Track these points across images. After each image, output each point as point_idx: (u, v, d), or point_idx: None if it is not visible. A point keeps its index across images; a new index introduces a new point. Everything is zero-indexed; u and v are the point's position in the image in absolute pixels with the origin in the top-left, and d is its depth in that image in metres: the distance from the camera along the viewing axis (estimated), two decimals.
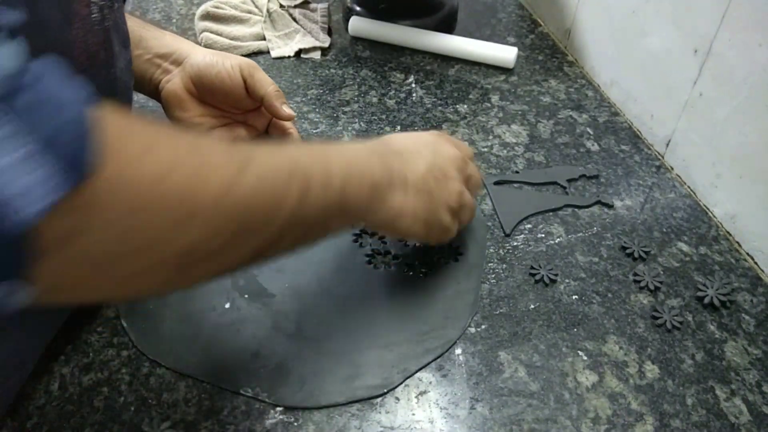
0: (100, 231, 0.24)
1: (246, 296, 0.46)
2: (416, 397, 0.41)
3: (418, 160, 0.43)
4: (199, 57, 0.53)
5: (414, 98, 0.70)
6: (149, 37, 0.54)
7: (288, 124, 0.57)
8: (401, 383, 0.42)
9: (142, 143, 0.26)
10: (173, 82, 0.53)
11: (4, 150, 0.20)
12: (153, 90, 0.55)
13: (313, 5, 0.83)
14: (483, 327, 0.46)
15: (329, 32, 0.82)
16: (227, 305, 0.46)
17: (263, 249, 0.33)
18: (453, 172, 0.44)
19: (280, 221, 0.32)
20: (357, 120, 0.66)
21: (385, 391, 0.41)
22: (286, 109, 0.53)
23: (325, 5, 0.83)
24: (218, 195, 0.28)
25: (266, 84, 0.53)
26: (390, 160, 0.41)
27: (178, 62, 0.54)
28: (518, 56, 0.77)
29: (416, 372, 0.42)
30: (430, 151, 0.44)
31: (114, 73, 0.41)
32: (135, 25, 0.54)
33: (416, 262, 0.50)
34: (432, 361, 0.43)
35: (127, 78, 0.46)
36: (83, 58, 0.37)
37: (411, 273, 0.49)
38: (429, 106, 0.69)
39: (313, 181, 0.34)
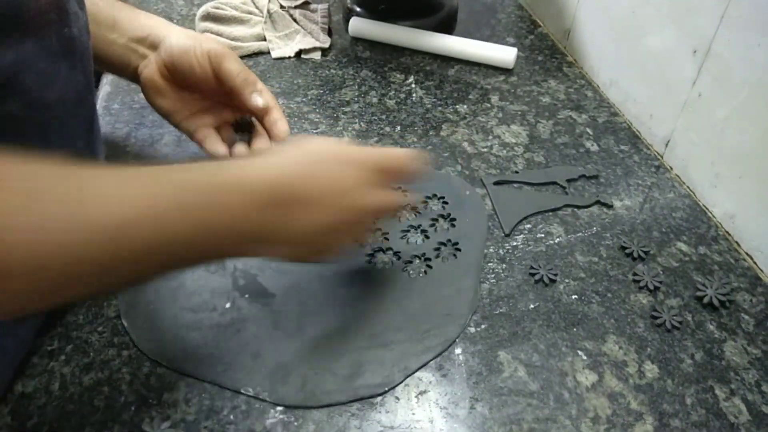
0: None
1: (246, 296, 0.47)
2: (416, 396, 0.41)
3: (312, 217, 0.37)
4: (173, 40, 0.51)
5: (414, 98, 0.70)
6: (123, 18, 0.52)
7: (273, 110, 0.52)
8: (402, 382, 0.42)
9: None
10: (149, 68, 0.52)
11: None
12: (132, 75, 0.53)
13: (313, 6, 0.83)
14: (483, 327, 0.46)
15: (329, 33, 0.82)
16: (228, 305, 0.46)
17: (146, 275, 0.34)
18: (356, 227, 0.41)
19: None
20: (357, 120, 0.66)
21: (386, 389, 0.41)
22: (256, 98, 0.50)
23: (325, 6, 0.83)
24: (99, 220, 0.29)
25: (233, 74, 0.50)
26: (277, 214, 0.36)
27: (154, 46, 0.52)
28: (518, 57, 0.77)
29: (417, 370, 0.42)
30: (329, 197, 0.38)
31: (70, 34, 0.41)
32: (107, 6, 0.52)
33: (416, 260, 0.50)
34: (432, 359, 0.43)
35: (86, 39, 0.45)
36: (36, 16, 0.37)
37: (411, 272, 0.49)
38: (429, 106, 0.69)
39: (177, 234, 0.33)
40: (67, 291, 0.31)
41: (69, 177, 0.30)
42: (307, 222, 0.37)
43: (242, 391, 0.41)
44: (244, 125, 0.55)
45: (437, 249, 0.51)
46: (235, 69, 0.50)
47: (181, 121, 0.53)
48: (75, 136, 0.45)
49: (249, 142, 0.54)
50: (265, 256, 0.38)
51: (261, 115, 0.53)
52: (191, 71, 0.50)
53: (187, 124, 0.53)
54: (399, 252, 0.50)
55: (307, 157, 0.39)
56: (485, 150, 0.63)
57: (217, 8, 0.80)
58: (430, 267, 0.50)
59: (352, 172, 0.39)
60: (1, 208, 0.27)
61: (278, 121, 0.52)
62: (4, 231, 0.27)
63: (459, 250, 0.51)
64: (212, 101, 0.55)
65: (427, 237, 0.52)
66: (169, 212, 0.32)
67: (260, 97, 0.51)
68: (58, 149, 0.44)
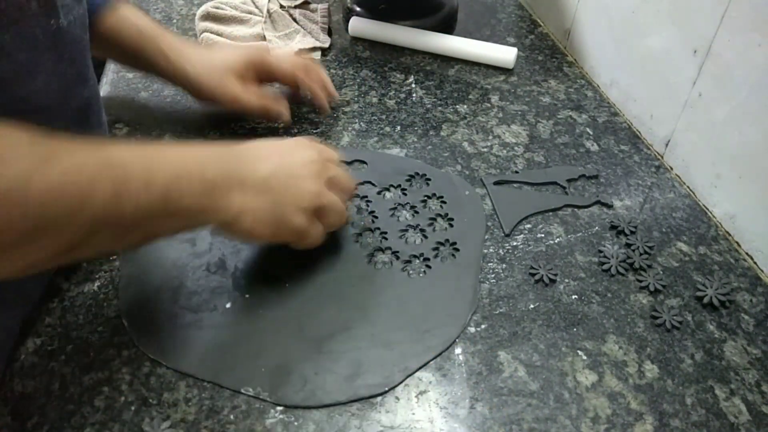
0: None
1: (247, 296, 0.46)
2: (416, 396, 0.41)
3: (262, 162, 0.42)
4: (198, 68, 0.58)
5: (414, 98, 0.70)
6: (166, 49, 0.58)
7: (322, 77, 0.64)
8: (402, 381, 0.42)
9: None
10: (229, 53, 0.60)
11: None
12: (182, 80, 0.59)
13: (313, 5, 0.83)
14: (483, 327, 0.46)
15: (329, 32, 0.82)
16: (228, 305, 0.46)
17: (69, 246, 0.33)
18: (305, 173, 0.44)
19: (86, 219, 0.32)
20: (357, 120, 0.66)
21: (387, 389, 0.41)
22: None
23: (325, 6, 0.83)
24: (5, 189, 0.29)
25: (253, 106, 0.60)
26: (227, 162, 0.41)
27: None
28: (518, 56, 0.77)
29: (417, 370, 0.43)
30: (278, 154, 0.44)
31: (57, 25, 0.41)
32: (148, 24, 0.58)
33: (415, 260, 0.50)
34: (432, 359, 0.43)
35: (80, 32, 0.46)
36: (12, 9, 0.37)
37: (410, 272, 0.49)
38: (429, 106, 0.69)
39: (130, 179, 0.34)
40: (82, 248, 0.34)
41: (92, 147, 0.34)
42: (260, 165, 0.42)
43: (242, 391, 0.41)
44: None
45: (435, 249, 0.51)
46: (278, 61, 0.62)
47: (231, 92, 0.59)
48: (62, 129, 0.45)
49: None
50: (233, 213, 0.40)
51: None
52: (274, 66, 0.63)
53: (236, 93, 0.59)
54: (398, 252, 0.50)
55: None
56: (485, 150, 0.63)
57: (217, 8, 0.80)
58: (429, 267, 0.50)
59: (281, 141, 0.46)
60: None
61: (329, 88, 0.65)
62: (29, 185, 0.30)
63: (458, 250, 0.51)
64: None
65: (425, 237, 0.52)
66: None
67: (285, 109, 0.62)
68: None
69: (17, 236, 0.30)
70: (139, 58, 0.58)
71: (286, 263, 0.49)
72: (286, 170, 0.43)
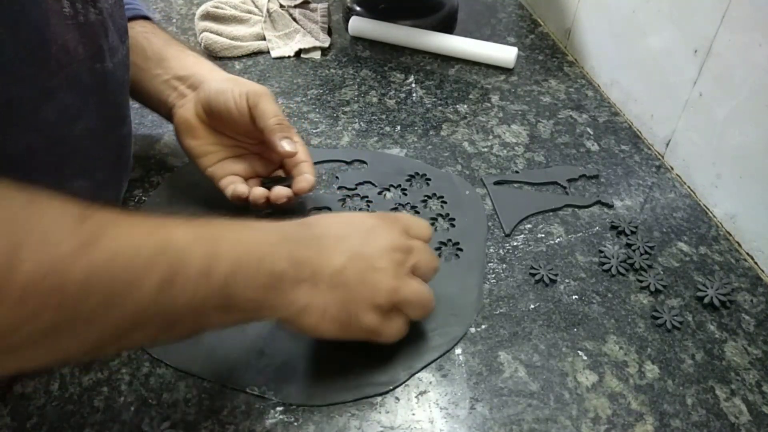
0: None
1: None
2: (416, 397, 0.41)
3: (338, 250, 0.37)
4: (213, 82, 0.50)
5: (414, 98, 0.70)
6: (171, 56, 0.52)
7: (303, 164, 0.50)
8: (407, 380, 0.42)
9: None
10: (186, 107, 0.50)
11: None
12: (167, 113, 0.52)
13: (313, 5, 0.83)
14: (483, 327, 0.46)
15: (329, 32, 0.82)
16: None
17: (105, 341, 0.29)
18: (384, 264, 0.38)
19: (130, 311, 0.28)
20: (357, 120, 0.66)
21: (392, 387, 0.41)
22: (285, 145, 0.48)
23: (325, 5, 0.83)
24: (44, 273, 0.25)
25: (268, 115, 0.48)
26: (302, 249, 0.36)
27: (194, 86, 0.51)
28: (518, 56, 0.77)
29: (422, 369, 0.42)
30: (358, 239, 0.39)
31: (103, 68, 0.41)
32: (159, 42, 0.52)
33: None
34: (437, 359, 0.43)
35: (123, 72, 0.45)
36: (60, 54, 0.36)
37: None
38: (429, 106, 0.69)
39: (187, 266, 0.30)
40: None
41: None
42: (336, 253, 0.37)
43: (248, 390, 0.41)
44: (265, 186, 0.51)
45: (438, 249, 0.51)
46: (271, 110, 0.48)
47: (209, 165, 0.51)
48: (95, 168, 0.44)
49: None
50: (297, 309, 0.36)
51: (289, 165, 0.51)
52: (227, 111, 0.49)
53: (214, 170, 0.51)
54: None
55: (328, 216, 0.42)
56: (485, 150, 0.63)
57: (217, 7, 0.80)
58: None
59: (363, 216, 0.42)
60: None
61: (306, 174, 0.50)
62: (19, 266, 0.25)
63: (461, 249, 0.51)
64: (245, 150, 0.52)
65: None
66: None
67: (289, 144, 0.48)
68: (73, 182, 0.42)
69: (49, 326, 0.26)
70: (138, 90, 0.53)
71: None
72: (364, 261, 0.37)
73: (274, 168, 0.54)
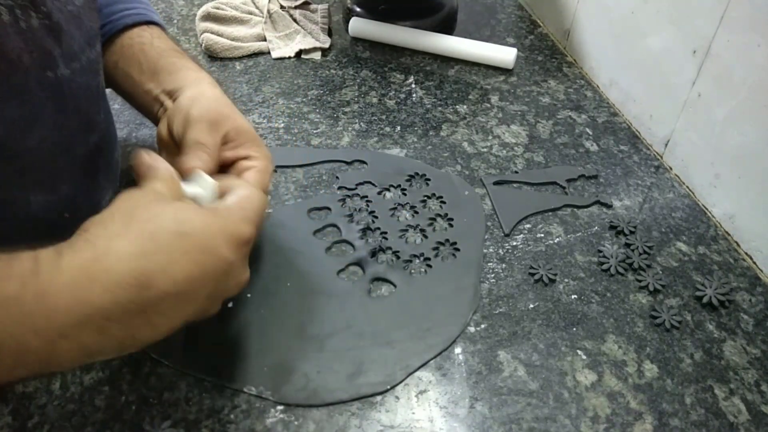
0: None
1: (248, 295, 0.47)
2: (416, 396, 0.41)
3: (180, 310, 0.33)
4: (182, 99, 0.45)
5: (414, 99, 0.70)
6: (163, 69, 0.49)
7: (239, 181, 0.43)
8: (404, 380, 0.42)
9: None
10: (162, 121, 0.46)
11: None
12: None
13: (313, 6, 0.83)
14: (482, 326, 0.46)
15: (329, 33, 0.82)
16: (230, 304, 0.46)
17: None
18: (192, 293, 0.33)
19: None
20: (357, 120, 0.66)
21: (389, 387, 0.41)
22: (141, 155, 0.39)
23: (325, 6, 0.83)
24: None
25: (190, 138, 0.42)
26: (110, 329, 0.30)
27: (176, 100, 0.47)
28: (518, 57, 0.77)
29: (419, 368, 0.43)
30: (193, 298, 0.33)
31: (55, 76, 0.38)
32: (155, 54, 0.50)
33: (415, 260, 0.50)
34: (434, 358, 0.43)
35: (88, 78, 0.42)
36: (2, 64, 0.34)
37: (411, 271, 0.49)
38: (429, 106, 0.69)
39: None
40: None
41: None
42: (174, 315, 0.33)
43: (245, 390, 0.41)
44: None
45: (436, 248, 0.51)
46: (195, 137, 0.42)
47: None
48: (59, 180, 0.42)
49: None
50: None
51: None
52: (177, 131, 0.44)
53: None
54: (398, 251, 0.51)
55: (159, 244, 0.32)
56: (485, 150, 0.63)
57: (218, 8, 0.80)
58: (430, 266, 0.50)
59: (209, 258, 0.34)
60: None
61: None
62: None
63: (458, 249, 0.51)
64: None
65: (425, 237, 0.52)
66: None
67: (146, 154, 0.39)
68: (34, 197, 0.40)
69: None
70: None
71: (287, 261, 0.49)
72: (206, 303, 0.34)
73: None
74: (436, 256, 0.51)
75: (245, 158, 0.44)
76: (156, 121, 0.49)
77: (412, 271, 0.49)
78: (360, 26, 0.79)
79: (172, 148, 0.46)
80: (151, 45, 0.51)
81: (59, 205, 0.42)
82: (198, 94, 0.46)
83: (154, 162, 0.37)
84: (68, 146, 0.42)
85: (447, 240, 0.52)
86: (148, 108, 0.50)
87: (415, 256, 0.50)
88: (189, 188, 0.38)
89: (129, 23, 0.51)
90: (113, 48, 0.50)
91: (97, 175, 0.47)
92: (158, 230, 0.32)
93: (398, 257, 0.50)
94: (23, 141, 0.37)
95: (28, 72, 0.36)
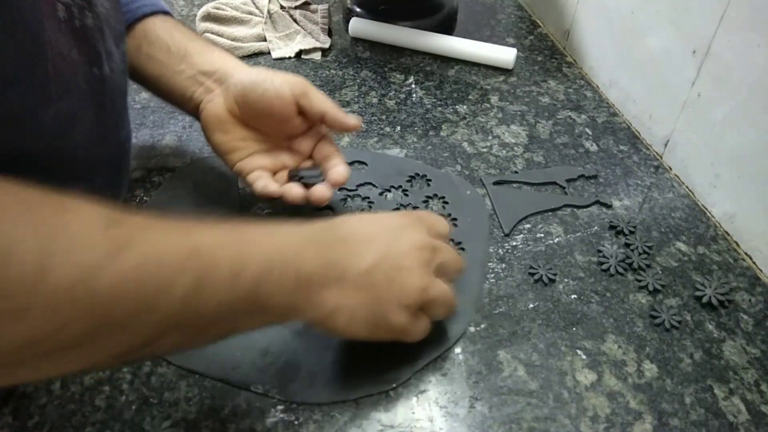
0: None
1: None
2: (416, 395, 0.41)
3: (366, 251, 0.37)
4: (243, 75, 0.49)
5: (414, 99, 0.70)
6: (195, 51, 0.51)
7: (334, 155, 0.51)
8: (407, 379, 0.42)
9: None
10: (214, 102, 0.50)
11: None
12: (194, 109, 0.51)
13: (313, 6, 0.83)
14: (482, 326, 0.46)
15: (329, 33, 0.82)
16: None
17: (135, 347, 0.29)
18: (412, 263, 0.38)
19: (160, 317, 0.28)
20: None
21: (394, 385, 0.41)
22: (352, 119, 0.49)
23: (325, 6, 0.83)
24: (71, 282, 0.25)
25: (322, 99, 0.49)
26: (329, 250, 0.36)
27: (221, 81, 0.50)
28: (517, 57, 0.77)
29: (424, 367, 0.43)
30: (385, 239, 0.38)
31: (100, 73, 0.40)
32: (182, 38, 0.52)
33: None
34: (438, 356, 0.43)
35: (120, 77, 0.44)
36: (57, 59, 0.36)
37: None
38: (429, 106, 0.69)
39: (216, 271, 0.30)
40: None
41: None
42: (363, 255, 0.37)
43: (252, 388, 0.41)
44: (297, 177, 0.51)
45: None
46: (322, 96, 0.49)
47: (238, 160, 0.50)
48: (95, 172, 0.44)
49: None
50: (326, 311, 0.36)
51: (318, 157, 0.52)
52: (268, 103, 0.48)
53: (242, 165, 0.50)
54: None
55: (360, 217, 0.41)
56: (485, 150, 0.63)
57: (218, 8, 0.80)
58: None
59: (388, 217, 0.41)
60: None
61: (340, 166, 0.50)
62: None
63: (463, 249, 0.51)
64: (272, 144, 0.52)
65: None
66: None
67: (356, 118, 0.50)
68: (73, 187, 0.42)
69: (77, 335, 0.26)
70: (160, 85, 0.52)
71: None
72: (392, 261, 0.37)
73: (302, 160, 0.53)
74: None
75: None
76: (191, 102, 0.51)
77: None
78: (360, 26, 0.80)
79: (229, 125, 0.50)
80: (176, 29, 0.52)
81: (92, 196, 0.44)
82: (258, 70, 0.50)
83: None
84: (104, 141, 0.43)
85: (452, 240, 0.52)
86: (181, 90, 0.51)
87: None
88: None
89: (147, 12, 0.52)
90: (134, 33, 0.51)
91: (122, 169, 0.48)
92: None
93: None
94: (70, 133, 0.39)
95: (78, 68, 0.38)
